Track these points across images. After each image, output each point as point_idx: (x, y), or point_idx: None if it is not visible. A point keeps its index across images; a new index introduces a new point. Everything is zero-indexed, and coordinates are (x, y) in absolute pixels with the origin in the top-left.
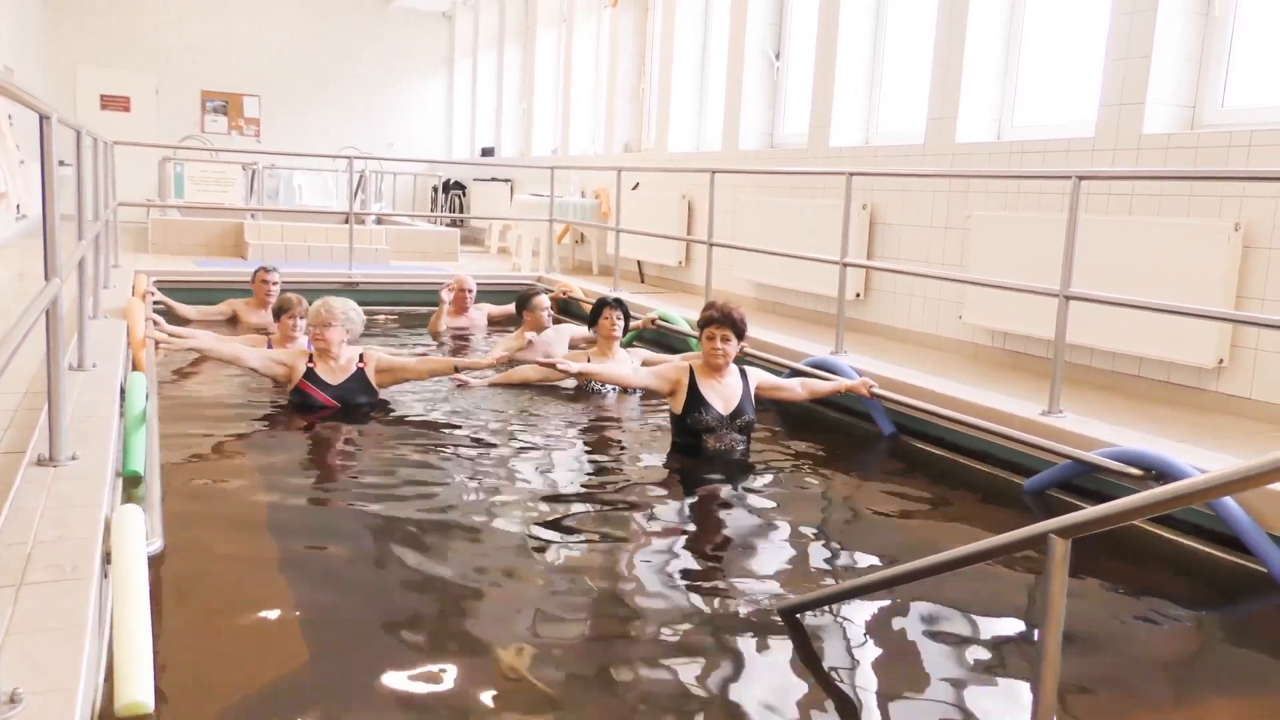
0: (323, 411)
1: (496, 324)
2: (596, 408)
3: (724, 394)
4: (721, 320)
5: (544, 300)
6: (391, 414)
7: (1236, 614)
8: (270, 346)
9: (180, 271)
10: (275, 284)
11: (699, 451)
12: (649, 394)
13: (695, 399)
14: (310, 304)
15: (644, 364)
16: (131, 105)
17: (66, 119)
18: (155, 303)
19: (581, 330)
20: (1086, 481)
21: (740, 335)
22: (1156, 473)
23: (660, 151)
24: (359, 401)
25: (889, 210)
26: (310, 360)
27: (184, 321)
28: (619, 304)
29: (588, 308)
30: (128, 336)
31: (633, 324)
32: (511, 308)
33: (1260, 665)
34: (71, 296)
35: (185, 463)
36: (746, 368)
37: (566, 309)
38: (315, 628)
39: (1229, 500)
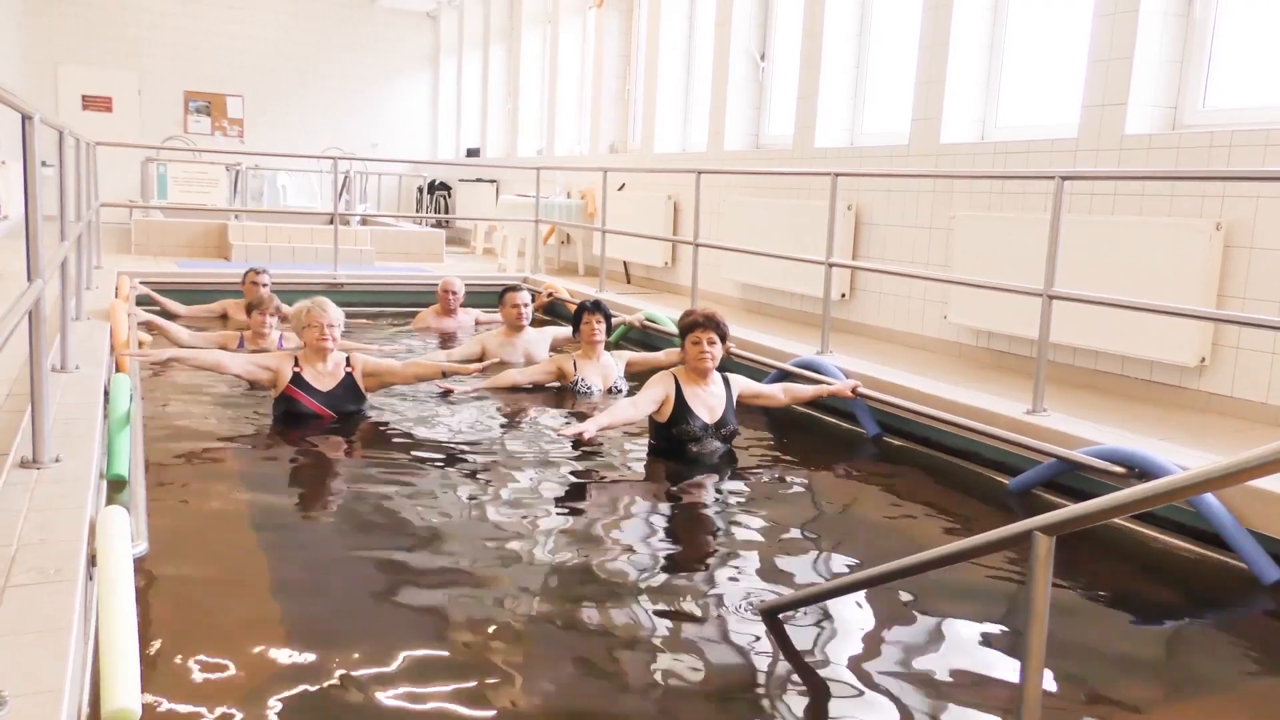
0: (313, 420)
1: (482, 326)
2: (581, 410)
3: (709, 403)
4: (706, 324)
5: (517, 296)
6: (378, 417)
7: (1218, 609)
8: (242, 343)
9: (163, 272)
10: (265, 285)
11: (680, 455)
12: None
13: (681, 409)
14: (281, 305)
15: (629, 365)
16: (114, 105)
17: (49, 119)
18: (141, 298)
19: (564, 331)
20: (1070, 480)
21: (724, 338)
22: (1139, 470)
23: (646, 152)
24: (349, 409)
25: (874, 211)
26: (296, 364)
27: (172, 317)
28: (598, 308)
29: (574, 309)
30: (111, 338)
31: (618, 320)
32: (499, 317)
33: (1242, 660)
34: (54, 298)
35: (170, 465)
36: (729, 375)
37: (553, 310)
38: (303, 629)
39: (1210, 497)
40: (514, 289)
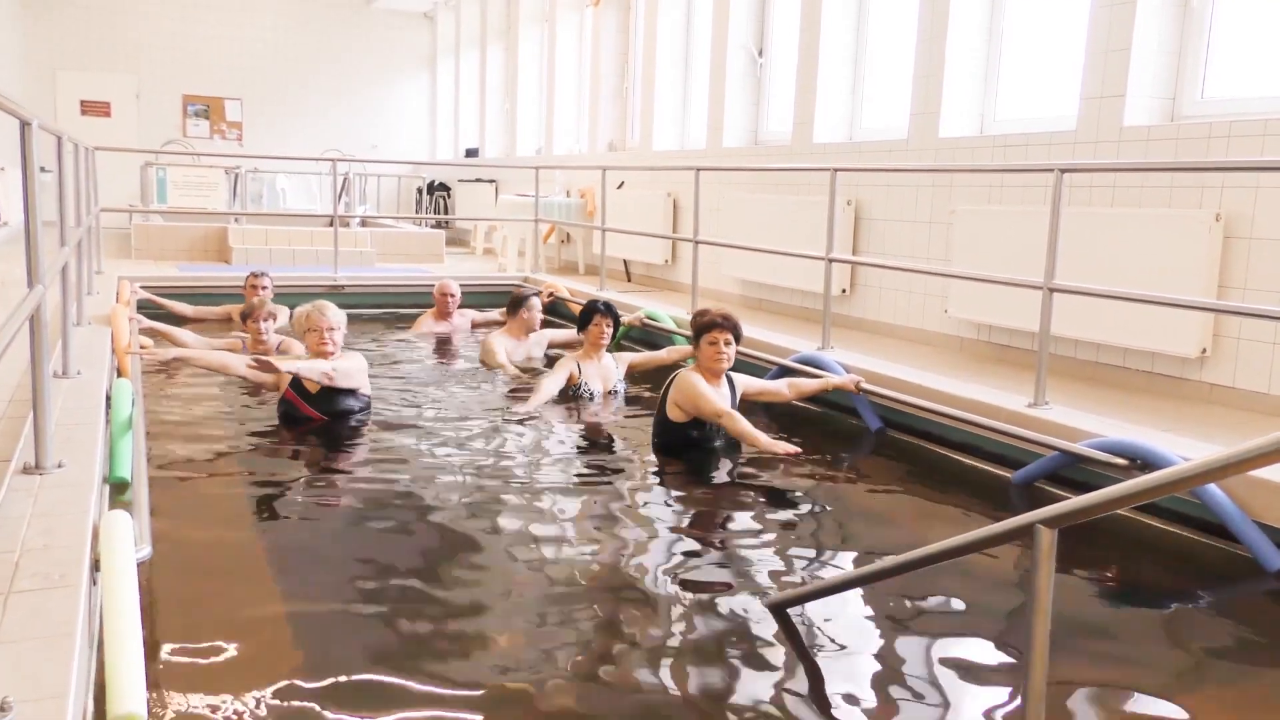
0: (311, 422)
1: (480, 329)
2: (583, 408)
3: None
4: (724, 325)
5: (537, 302)
6: (380, 417)
7: (1222, 599)
8: (245, 350)
9: (164, 277)
10: (265, 289)
11: (684, 453)
12: (643, 397)
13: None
14: (278, 308)
15: (632, 366)
16: (112, 110)
17: (47, 125)
18: (143, 302)
19: (560, 333)
20: (1073, 472)
21: (739, 339)
22: (1141, 462)
23: (645, 150)
24: (338, 409)
25: (874, 206)
26: None
27: (180, 318)
28: (610, 311)
29: (575, 308)
30: (112, 343)
31: (623, 320)
32: (495, 314)
33: (1246, 649)
34: (55, 303)
35: (172, 469)
36: (732, 373)
37: (554, 309)
38: (307, 631)
39: (1213, 487)
40: (532, 295)
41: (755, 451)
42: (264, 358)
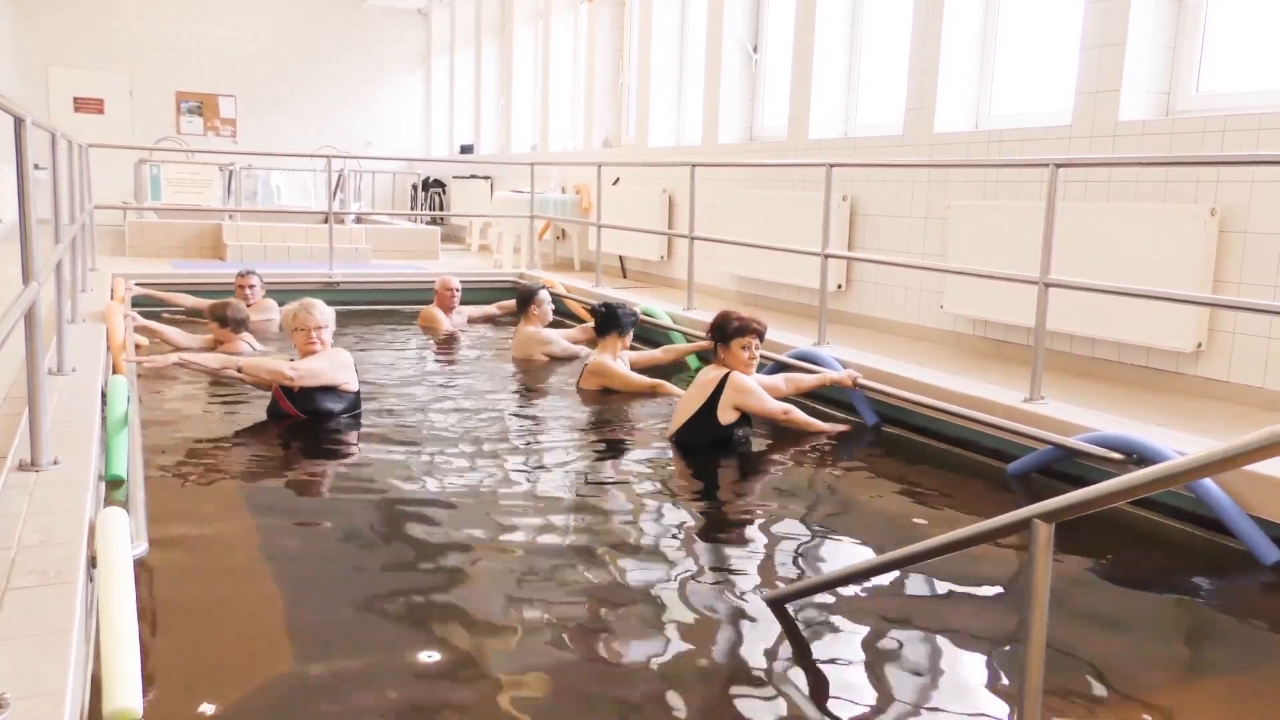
0: (288, 418)
1: (475, 323)
2: (583, 402)
3: None
4: (758, 330)
5: (546, 295)
6: (377, 413)
7: (1218, 593)
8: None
9: (158, 274)
10: (254, 288)
11: (696, 449)
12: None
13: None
14: (269, 302)
15: (631, 365)
16: (105, 107)
17: (41, 122)
18: (139, 299)
19: (568, 334)
20: (1069, 467)
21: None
22: (1137, 456)
23: (640, 146)
24: (322, 406)
25: (869, 201)
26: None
27: (179, 310)
28: (635, 319)
29: (572, 304)
30: (107, 340)
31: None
32: (492, 308)
33: (1242, 643)
34: (49, 301)
35: (168, 466)
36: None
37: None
38: (303, 628)
39: (1209, 482)
40: (539, 290)
41: (756, 447)
42: (190, 354)
